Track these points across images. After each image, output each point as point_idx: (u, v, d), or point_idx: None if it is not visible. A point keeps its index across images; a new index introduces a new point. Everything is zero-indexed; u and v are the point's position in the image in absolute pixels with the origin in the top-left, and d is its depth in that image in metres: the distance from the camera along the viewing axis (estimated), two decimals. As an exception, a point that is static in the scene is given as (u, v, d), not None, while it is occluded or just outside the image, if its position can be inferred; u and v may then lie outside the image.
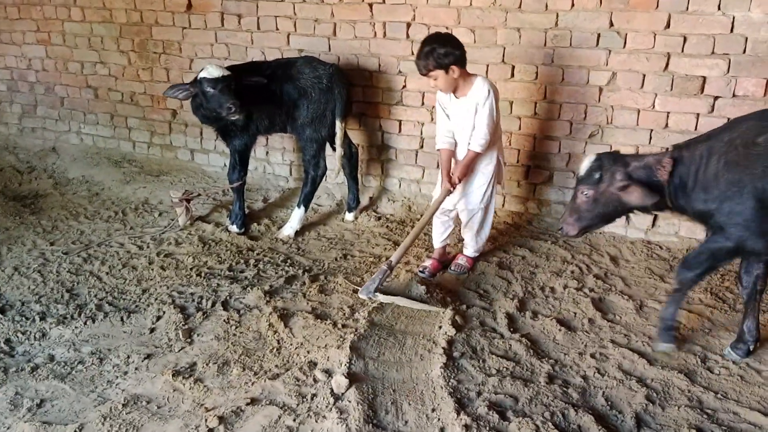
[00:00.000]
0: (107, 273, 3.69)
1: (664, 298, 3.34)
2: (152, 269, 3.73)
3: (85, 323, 3.15)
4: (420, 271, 3.68)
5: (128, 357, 2.88)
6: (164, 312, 3.24)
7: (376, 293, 3.31)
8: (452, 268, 3.79)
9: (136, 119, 5.73)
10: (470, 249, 3.84)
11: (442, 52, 3.26)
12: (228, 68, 3.96)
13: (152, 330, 3.12)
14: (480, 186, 3.62)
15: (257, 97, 4.04)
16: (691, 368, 2.82)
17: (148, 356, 2.89)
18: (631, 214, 3.05)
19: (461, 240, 3.93)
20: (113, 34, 5.51)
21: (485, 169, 3.60)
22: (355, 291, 3.44)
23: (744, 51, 3.65)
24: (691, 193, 2.75)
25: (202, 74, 3.81)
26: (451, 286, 3.61)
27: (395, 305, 3.27)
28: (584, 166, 2.96)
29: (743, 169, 2.61)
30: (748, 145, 2.61)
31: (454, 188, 3.52)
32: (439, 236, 3.83)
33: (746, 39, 3.63)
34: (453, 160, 3.60)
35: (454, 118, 3.54)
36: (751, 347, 2.92)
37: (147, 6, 5.27)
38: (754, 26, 3.60)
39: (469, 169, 3.54)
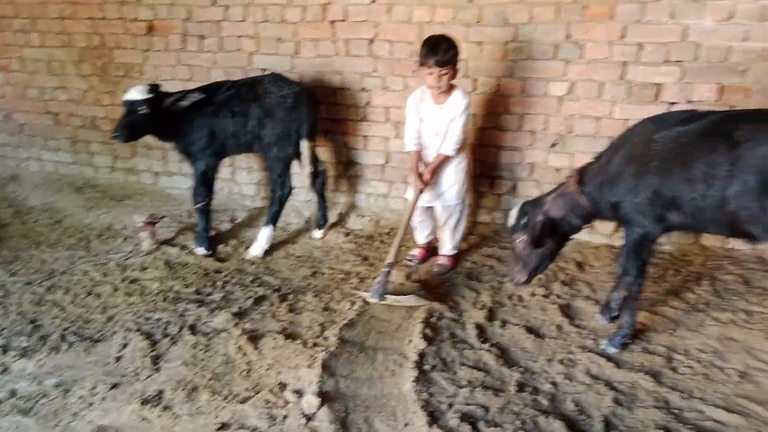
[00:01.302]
0: (71, 302, 3.61)
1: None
2: (117, 296, 3.67)
3: (48, 355, 3.07)
4: (408, 260, 3.80)
5: (94, 387, 2.81)
6: (130, 339, 3.18)
7: (385, 296, 3.46)
8: (435, 269, 3.95)
9: (99, 144, 5.66)
10: (448, 247, 4.01)
11: (457, 52, 3.54)
12: (199, 89, 4.06)
13: (118, 358, 3.06)
14: (454, 184, 3.83)
15: (218, 117, 4.07)
16: (656, 369, 2.87)
17: (115, 386, 2.83)
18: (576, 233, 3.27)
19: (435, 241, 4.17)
20: (73, 58, 5.46)
21: (458, 168, 3.81)
22: (354, 294, 3.60)
23: (697, 58, 3.76)
24: (602, 191, 2.98)
25: None
26: (437, 286, 3.74)
27: (368, 319, 3.30)
28: (512, 217, 3.29)
29: (642, 164, 2.81)
30: (646, 142, 2.82)
31: (425, 187, 3.70)
32: (422, 234, 4.10)
33: (698, 46, 3.74)
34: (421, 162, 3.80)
35: (428, 123, 3.73)
36: (615, 315, 3.23)
37: (107, 29, 5.23)
38: (706, 33, 3.71)
39: (439, 170, 3.75)
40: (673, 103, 3.85)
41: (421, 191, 3.71)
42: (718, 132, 2.61)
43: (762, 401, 2.63)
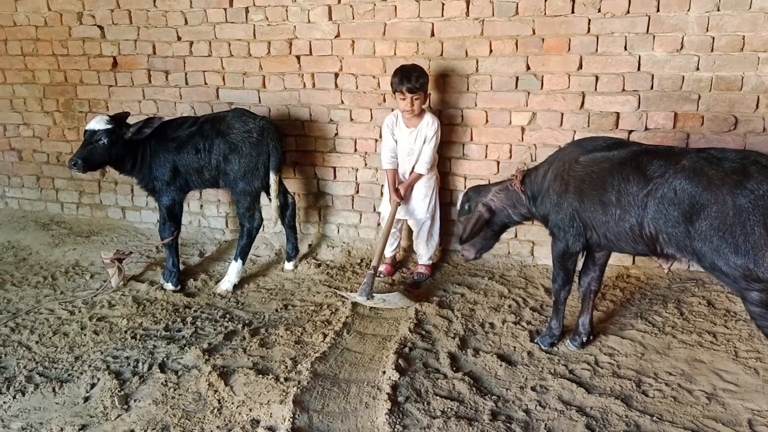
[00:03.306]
0: (37, 342, 3.53)
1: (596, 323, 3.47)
2: (85, 335, 3.59)
3: (14, 397, 2.99)
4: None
5: (62, 430, 2.74)
6: (98, 379, 3.12)
7: (372, 295, 3.76)
8: (415, 278, 4.30)
9: (64, 180, 5.59)
10: (425, 258, 4.35)
11: (426, 79, 3.96)
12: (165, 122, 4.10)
13: (86, 399, 2.99)
14: (424, 198, 4.21)
15: (181, 153, 4.09)
16: (627, 393, 2.91)
17: (83, 427, 2.76)
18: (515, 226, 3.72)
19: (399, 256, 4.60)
20: (36, 94, 5.41)
21: (428, 183, 4.21)
22: (339, 295, 3.94)
23: (652, 87, 3.91)
24: (536, 200, 3.25)
25: None
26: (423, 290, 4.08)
27: (341, 351, 3.30)
28: (459, 202, 3.60)
29: (565, 183, 3.01)
30: (571, 163, 3.03)
31: (401, 201, 4.10)
32: (389, 247, 4.37)
33: (652, 76, 3.89)
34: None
35: (401, 145, 4.14)
36: (585, 339, 3.33)
37: (71, 66, 5.21)
38: (659, 64, 3.86)
39: (412, 187, 4.18)
40: (631, 131, 3.98)
41: (398, 204, 4.09)
42: (634, 164, 2.78)
43: (729, 422, 2.69)
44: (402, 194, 4.09)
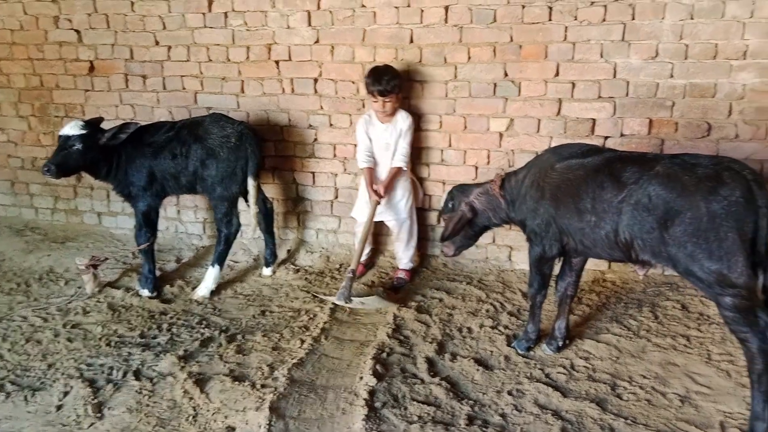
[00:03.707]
0: (9, 350, 3.46)
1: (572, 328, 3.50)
2: (58, 342, 3.54)
3: (-15, 406, 2.95)
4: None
5: (33, 439, 2.71)
6: (72, 387, 3.07)
7: (351, 298, 3.76)
8: (395, 283, 4.28)
9: (39, 185, 5.51)
10: (404, 261, 4.37)
11: (399, 81, 4.04)
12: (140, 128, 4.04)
13: (59, 407, 2.94)
14: (401, 200, 4.24)
15: (158, 158, 4.05)
16: (602, 396, 2.94)
17: (55, 436, 2.73)
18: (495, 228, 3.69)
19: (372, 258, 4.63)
20: (11, 99, 5.33)
21: (404, 185, 4.25)
22: (321, 300, 3.94)
23: (627, 94, 3.96)
24: (514, 205, 3.29)
25: None
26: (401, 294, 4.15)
27: (318, 357, 3.29)
28: (443, 200, 3.64)
29: (541, 190, 3.05)
30: (547, 170, 3.07)
31: (380, 199, 4.06)
32: (364, 250, 4.29)
33: (628, 83, 3.94)
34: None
35: (376, 141, 4.17)
36: (561, 344, 3.36)
37: (47, 70, 5.15)
38: (634, 71, 3.91)
39: (392, 184, 4.14)
40: (607, 137, 4.03)
41: (377, 203, 4.06)
42: (608, 171, 2.80)
43: (702, 425, 2.72)
44: (382, 192, 4.06)
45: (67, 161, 3.87)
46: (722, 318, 2.56)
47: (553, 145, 4.09)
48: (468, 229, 3.52)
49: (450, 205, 3.55)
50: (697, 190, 2.49)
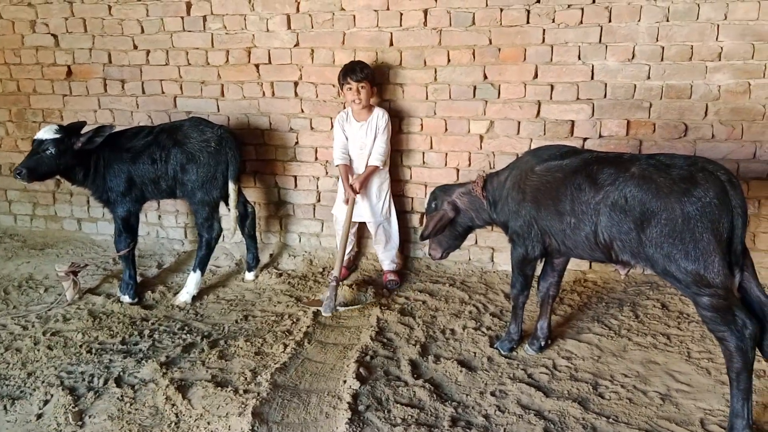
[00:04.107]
0: (-13, 359, 3.43)
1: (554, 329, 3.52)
2: (38, 350, 3.49)
3: (-38, 417, 2.90)
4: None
5: (11, 449, 2.67)
6: (52, 395, 3.03)
7: (338, 308, 3.82)
8: (388, 286, 4.29)
9: (17, 191, 5.44)
10: (386, 263, 4.40)
11: (371, 71, 4.11)
12: (117, 133, 4.01)
13: (39, 416, 2.90)
14: (378, 201, 4.28)
15: (136, 164, 4.02)
16: (584, 396, 2.96)
17: (34, 446, 2.69)
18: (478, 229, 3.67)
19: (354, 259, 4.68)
20: (-13, 104, 5.27)
21: (382, 186, 4.29)
22: (316, 311, 3.87)
23: (605, 95, 4.01)
24: (496, 207, 3.31)
25: None
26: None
27: (301, 361, 3.28)
28: (427, 201, 3.67)
29: (522, 192, 3.08)
30: (527, 172, 3.09)
31: (356, 195, 4.13)
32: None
33: (605, 84, 3.99)
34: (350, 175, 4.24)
35: (352, 140, 4.20)
36: (543, 344, 3.39)
37: (23, 75, 5.09)
38: (611, 73, 3.96)
39: (368, 181, 4.18)
40: (585, 139, 4.07)
41: (354, 201, 4.12)
42: (585, 172, 2.81)
43: (683, 422, 2.75)
44: (357, 187, 4.11)
45: (39, 166, 3.83)
46: (700, 317, 2.60)
47: (534, 146, 4.13)
48: (452, 229, 3.54)
49: (433, 205, 3.57)
50: (671, 192, 2.52)
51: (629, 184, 2.63)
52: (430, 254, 3.75)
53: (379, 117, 4.15)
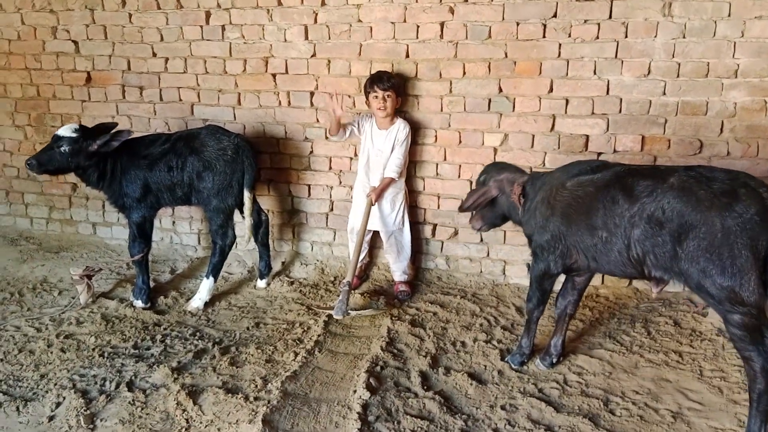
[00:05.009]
0: (2, 360, 3.45)
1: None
2: (51, 352, 3.53)
3: (-25, 417, 2.93)
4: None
5: (24, 451, 2.70)
6: (64, 398, 3.06)
7: (349, 311, 3.80)
8: (399, 297, 4.30)
9: (34, 195, 5.51)
10: (397, 273, 4.41)
11: (397, 81, 4.21)
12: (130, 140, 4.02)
13: (51, 418, 2.93)
14: (391, 212, 4.31)
15: (153, 171, 4.07)
16: (594, 412, 2.95)
17: (46, 448, 2.72)
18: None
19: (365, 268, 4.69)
20: (7, 109, 5.34)
21: (397, 197, 4.31)
22: (316, 313, 3.99)
23: (620, 110, 4.01)
24: (525, 217, 3.26)
25: None
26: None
27: (311, 370, 3.29)
28: (480, 173, 3.64)
29: (551, 207, 3.03)
30: (558, 187, 3.04)
31: (375, 202, 4.19)
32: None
33: (621, 100, 3.99)
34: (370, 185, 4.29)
35: (374, 145, 4.26)
36: (555, 360, 3.37)
37: (44, 80, 5.17)
38: (627, 88, 3.96)
39: (384, 192, 4.23)
40: (600, 153, 4.07)
41: (371, 203, 4.17)
42: (619, 185, 2.77)
43: (693, 439, 2.74)
44: (374, 199, 4.17)
45: (50, 160, 3.91)
46: (729, 334, 2.55)
47: (547, 160, 4.14)
48: (498, 207, 3.48)
49: (481, 179, 3.55)
50: (712, 205, 2.45)
51: (668, 195, 2.57)
52: (471, 224, 3.71)
53: (400, 129, 4.19)
